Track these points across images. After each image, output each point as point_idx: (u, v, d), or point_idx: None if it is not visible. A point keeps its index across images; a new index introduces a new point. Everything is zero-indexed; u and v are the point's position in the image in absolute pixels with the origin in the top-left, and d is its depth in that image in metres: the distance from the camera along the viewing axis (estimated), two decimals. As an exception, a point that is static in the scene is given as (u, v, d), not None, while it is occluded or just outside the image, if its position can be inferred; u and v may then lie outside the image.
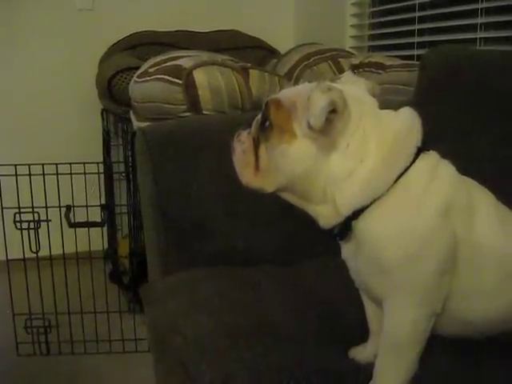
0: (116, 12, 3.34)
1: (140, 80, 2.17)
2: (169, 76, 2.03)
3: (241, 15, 3.53)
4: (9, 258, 2.33)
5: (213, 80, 1.99)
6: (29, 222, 2.27)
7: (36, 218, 2.27)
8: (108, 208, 2.67)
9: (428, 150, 1.05)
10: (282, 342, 1.13)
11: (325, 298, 1.32)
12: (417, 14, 2.76)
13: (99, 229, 2.38)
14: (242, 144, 1.09)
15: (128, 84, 2.40)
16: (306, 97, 0.99)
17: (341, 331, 1.20)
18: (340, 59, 2.70)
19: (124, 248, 2.82)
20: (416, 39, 2.78)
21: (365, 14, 3.21)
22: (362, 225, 1.02)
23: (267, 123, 1.05)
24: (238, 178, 1.09)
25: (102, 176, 2.48)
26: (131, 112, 2.36)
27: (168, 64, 2.11)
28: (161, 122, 1.88)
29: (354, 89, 1.07)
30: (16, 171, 2.22)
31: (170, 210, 1.50)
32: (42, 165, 2.23)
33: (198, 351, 1.13)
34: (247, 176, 1.09)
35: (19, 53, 3.25)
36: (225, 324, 1.19)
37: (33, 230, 2.28)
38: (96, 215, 2.41)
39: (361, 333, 1.16)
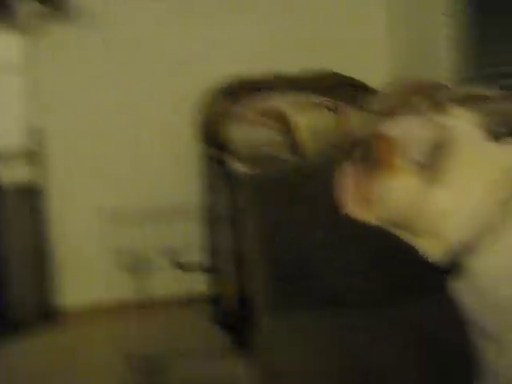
0: (211, 58, 3.44)
1: (239, 124, 2.22)
2: (268, 120, 2.06)
3: (332, 55, 3.55)
4: (114, 299, 2.39)
5: (312, 122, 2.01)
6: (134, 264, 2.32)
7: (141, 261, 2.33)
8: (212, 251, 2.71)
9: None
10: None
11: (436, 339, 1.28)
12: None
13: (204, 272, 2.42)
14: (347, 176, 1.10)
15: (227, 128, 2.45)
16: (412, 131, 0.99)
17: (451, 373, 1.17)
18: (437, 93, 2.66)
19: (229, 290, 2.84)
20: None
21: (461, 46, 3.16)
22: (471, 260, 1.00)
23: (372, 157, 1.05)
24: (343, 212, 1.10)
25: (205, 219, 2.53)
26: (231, 156, 2.40)
27: (266, 108, 2.15)
28: (264, 167, 1.90)
29: (460, 122, 1.06)
30: (120, 215, 2.28)
31: (277, 253, 1.51)
32: (146, 208, 2.29)
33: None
34: (352, 207, 1.09)
35: (119, 97, 3.41)
36: (335, 369, 1.18)
37: (138, 273, 2.33)
38: (201, 258, 2.44)
39: (472, 373, 1.12)
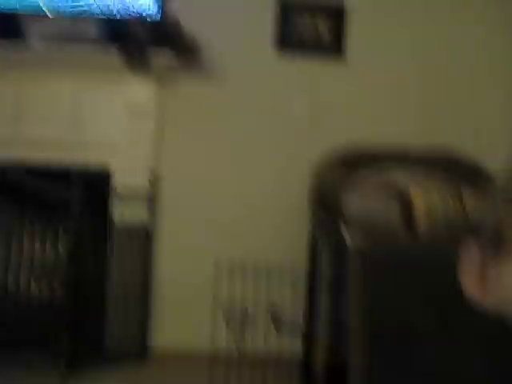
0: (330, 124, 3.49)
1: (355, 194, 2.23)
2: (385, 194, 2.07)
3: (454, 133, 3.51)
4: (214, 350, 2.42)
5: (430, 202, 2.00)
6: (237, 317, 2.36)
7: (241, 314, 2.36)
8: (311, 316, 2.70)
9: None
10: None
11: None
12: None
13: (300, 335, 2.42)
14: (470, 256, 1.09)
15: (344, 199, 2.46)
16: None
17: None
18: None
19: (322, 357, 2.81)
20: None
21: None
22: None
23: (499, 241, 1.04)
24: (460, 294, 1.08)
25: (308, 283, 2.53)
26: (344, 225, 2.41)
27: (385, 182, 2.16)
28: (376, 240, 1.90)
29: None
30: (230, 267, 2.33)
31: (380, 329, 1.50)
32: (252, 263, 2.32)
33: None
34: (471, 286, 1.07)
35: (238, 154, 3.52)
36: None
37: (237, 325, 2.36)
38: (298, 321, 2.45)
39: None
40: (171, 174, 3.48)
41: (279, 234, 3.41)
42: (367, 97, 3.56)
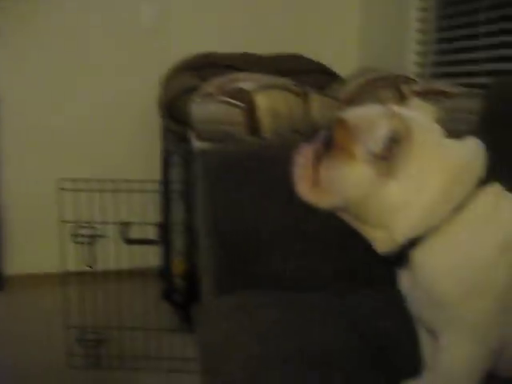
0: (179, 32, 3.40)
1: (201, 101, 2.19)
2: (230, 98, 2.04)
3: (303, 39, 3.54)
4: (65, 270, 2.38)
5: (274, 104, 1.99)
6: (86, 236, 2.31)
7: (93, 233, 2.31)
8: (164, 226, 2.69)
9: (491, 182, 1.02)
10: (333, 374, 1.11)
11: (379, 329, 1.28)
12: (483, 42, 2.71)
13: (154, 246, 2.41)
14: (303, 157, 1.09)
15: (189, 104, 2.42)
16: (371, 121, 0.98)
17: (394, 364, 1.17)
18: (402, 85, 2.67)
19: (178, 267, 2.83)
20: (481, 67, 2.73)
21: (429, 41, 3.18)
22: (417, 255, 1.00)
23: (330, 141, 1.04)
24: (296, 194, 1.09)
25: (159, 194, 2.51)
26: (191, 132, 2.38)
27: (229, 86, 2.13)
28: (220, 145, 1.89)
29: (420, 115, 1.05)
30: (75, 186, 2.26)
31: (226, 232, 1.50)
32: (101, 181, 2.28)
33: (247, 378, 1.12)
34: (304, 189, 1.09)
35: (82, 69, 3.34)
36: (275, 351, 1.18)
37: (89, 245, 2.32)
38: (152, 233, 2.44)
39: (414, 366, 1.13)
40: (10, 94, 3.25)
41: (130, 146, 3.35)
42: (218, 5, 3.48)
